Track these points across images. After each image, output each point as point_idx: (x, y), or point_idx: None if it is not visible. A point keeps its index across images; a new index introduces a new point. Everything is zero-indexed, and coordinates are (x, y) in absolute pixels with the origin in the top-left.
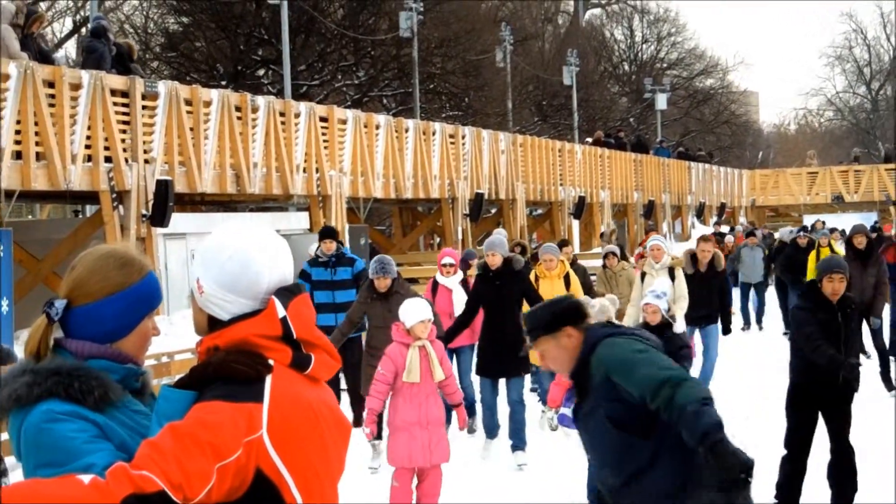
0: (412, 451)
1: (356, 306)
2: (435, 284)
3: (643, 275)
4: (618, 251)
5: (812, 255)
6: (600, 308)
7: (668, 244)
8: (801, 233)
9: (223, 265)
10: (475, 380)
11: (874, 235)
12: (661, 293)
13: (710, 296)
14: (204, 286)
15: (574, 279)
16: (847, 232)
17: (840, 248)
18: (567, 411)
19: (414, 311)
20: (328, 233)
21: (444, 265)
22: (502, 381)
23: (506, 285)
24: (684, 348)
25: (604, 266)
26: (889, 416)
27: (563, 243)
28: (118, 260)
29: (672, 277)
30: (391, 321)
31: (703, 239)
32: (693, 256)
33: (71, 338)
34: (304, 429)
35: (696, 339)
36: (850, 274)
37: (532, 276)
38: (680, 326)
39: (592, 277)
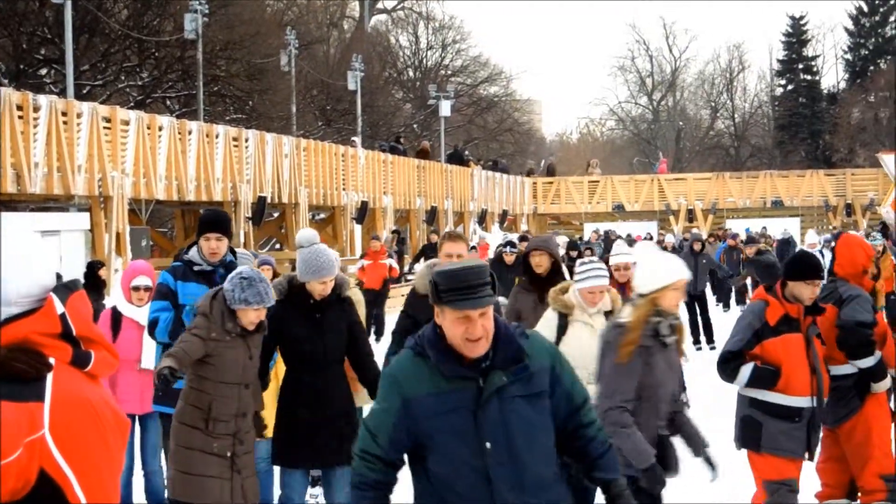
0: None
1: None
2: (116, 316)
3: (563, 325)
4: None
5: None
6: None
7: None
8: (508, 248)
9: None
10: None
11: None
12: None
13: None
14: None
15: None
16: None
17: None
18: None
19: None
20: (216, 222)
21: (135, 288)
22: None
23: (330, 319)
24: None
25: None
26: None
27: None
28: None
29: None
30: None
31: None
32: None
33: None
34: (86, 427)
35: None
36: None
37: None
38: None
39: None
